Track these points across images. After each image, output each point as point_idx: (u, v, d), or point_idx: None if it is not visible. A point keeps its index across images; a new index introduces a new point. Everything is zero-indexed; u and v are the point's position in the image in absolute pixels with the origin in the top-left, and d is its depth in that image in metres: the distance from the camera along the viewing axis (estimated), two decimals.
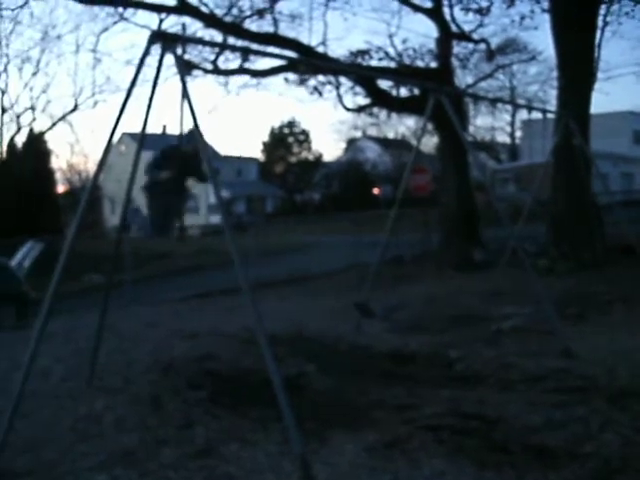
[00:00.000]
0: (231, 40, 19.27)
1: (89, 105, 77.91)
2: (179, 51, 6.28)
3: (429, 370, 7.33)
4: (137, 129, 6.67)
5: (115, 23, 21.01)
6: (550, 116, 26.93)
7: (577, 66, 16.36)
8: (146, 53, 5.93)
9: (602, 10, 18.51)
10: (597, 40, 18.21)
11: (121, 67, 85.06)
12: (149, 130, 6.71)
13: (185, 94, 5.71)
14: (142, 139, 6.81)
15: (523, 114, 63.74)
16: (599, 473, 4.49)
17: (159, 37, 5.88)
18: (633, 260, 12.00)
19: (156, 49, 5.96)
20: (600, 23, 18.63)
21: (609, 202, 14.87)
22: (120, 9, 19.96)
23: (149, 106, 6.30)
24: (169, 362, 7.70)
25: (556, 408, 5.78)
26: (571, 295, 11.69)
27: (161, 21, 19.44)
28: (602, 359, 7.42)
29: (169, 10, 19.11)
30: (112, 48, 29.44)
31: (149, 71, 6.45)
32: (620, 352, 7.72)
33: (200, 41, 16.05)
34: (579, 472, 4.51)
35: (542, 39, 60.08)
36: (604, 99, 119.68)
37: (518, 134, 66.69)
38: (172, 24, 21.37)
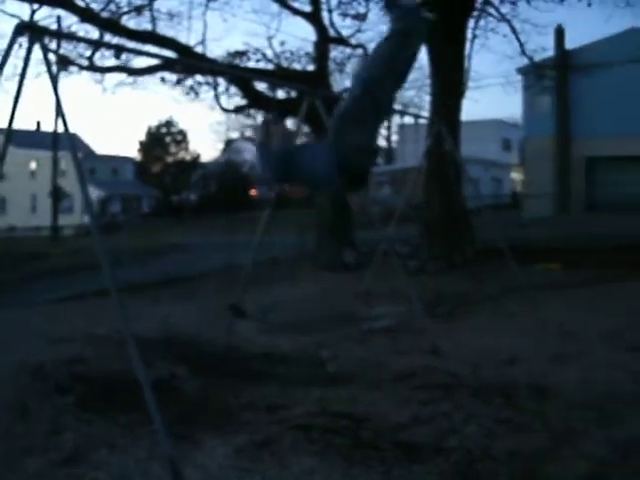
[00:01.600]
0: (108, 37, 18.82)
1: None
2: (53, 45, 6.11)
3: (301, 370, 7.37)
4: (4, 124, 6.44)
5: None
6: (423, 121, 27.70)
7: (448, 74, 16.88)
8: (11, 45, 5.72)
9: (471, 24, 19.20)
10: (467, 51, 18.85)
11: None
12: (23, 127, 6.48)
13: (55, 90, 5.56)
14: (9, 134, 6.56)
15: (399, 118, 65.15)
16: (461, 464, 4.65)
17: (26, 28, 5.69)
18: (501, 262, 12.46)
19: (25, 41, 5.77)
20: (469, 35, 19.32)
21: (479, 205, 15.39)
22: None
23: (16, 100, 6.08)
24: (37, 366, 7.45)
25: (423, 405, 5.94)
26: (441, 295, 12.03)
27: (33, 12, 18.73)
28: (468, 356, 7.69)
29: (42, 1, 18.45)
30: None
31: (21, 64, 6.22)
32: (485, 349, 8.03)
33: (73, 36, 15.55)
34: (443, 465, 4.66)
35: None
36: (475, 107, 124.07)
37: (394, 138, 68.14)
38: (46, 16, 20.68)
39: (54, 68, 5.90)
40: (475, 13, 19.23)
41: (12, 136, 6.55)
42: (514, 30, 20.36)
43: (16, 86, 5.98)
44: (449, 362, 7.49)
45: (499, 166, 57.30)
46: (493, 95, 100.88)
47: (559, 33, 33.22)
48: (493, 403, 5.89)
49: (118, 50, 19.11)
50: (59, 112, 5.51)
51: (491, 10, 20.10)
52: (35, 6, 18.43)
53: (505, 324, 9.69)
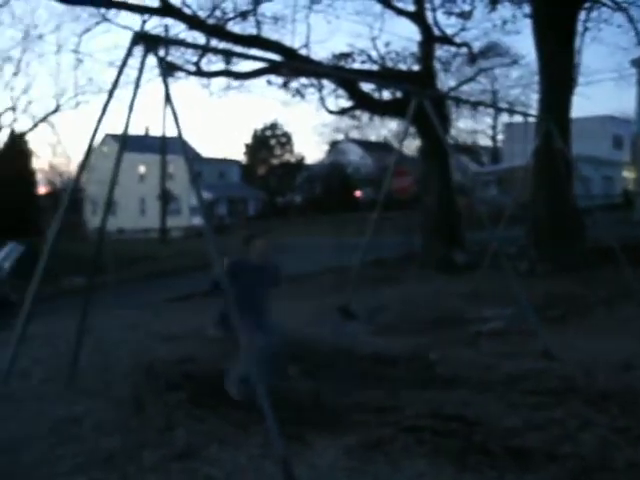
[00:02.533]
0: (214, 42, 19.26)
1: (71, 106, 77.48)
2: (162, 53, 6.29)
3: (410, 372, 7.35)
4: (120, 130, 6.66)
5: (97, 24, 20.83)
6: (531, 119, 27.11)
7: (558, 70, 16.47)
8: (128, 54, 5.93)
9: (582, 16, 18.66)
10: (577, 45, 18.32)
11: (103, 68, 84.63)
12: (132, 131, 6.70)
13: (167, 96, 5.71)
14: (124, 140, 6.79)
15: (505, 117, 64.00)
16: (577, 473, 4.53)
17: (141, 38, 5.88)
18: (613, 263, 12.08)
19: (138, 50, 5.96)
20: (580, 29, 18.78)
21: (589, 205, 14.97)
22: (102, 10, 19.88)
23: (131, 107, 6.29)
24: (150, 364, 7.68)
25: (535, 410, 5.83)
26: (551, 297, 11.76)
27: (144, 22, 19.35)
28: (581, 361, 7.48)
29: (152, 11, 19.01)
30: (94, 49, 29.47)
31: (132, 72, 6.44)
32: (599, 354, 7.79)
33: (182, 43, 15.98)
34: (557, 473, 4.55)
35: (524, 43, 60.33)
36: (585, 103, 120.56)
37: (500, 137, 66.99)
38: (155, 25, 21.36)
39: (166, 74, 6.06)
40: (587, 4, 18.66)
41: (127, 142, 6.79)
42: (631, 19, 19.60)
43: (130, 94, 6.19)
44: (561, 366, 7.31)
45: (610, 164, 55.46)
46: (604, 90, 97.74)
47: None
48: (609, 411, 5.71)
49: (225, 54, 19.51)
50: (172, 116, 5.66)
51: (605, 0, 19.46)
52: (145, 17, 19.05)
53: (619, 329, 9.39)
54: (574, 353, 7.90)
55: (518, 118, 57.32)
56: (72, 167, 54.65)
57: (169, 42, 10.50)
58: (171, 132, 41.67)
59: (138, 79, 6.12)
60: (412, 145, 43.31)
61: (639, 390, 6.25)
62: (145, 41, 5.81)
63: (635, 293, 11.20)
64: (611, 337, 8.79)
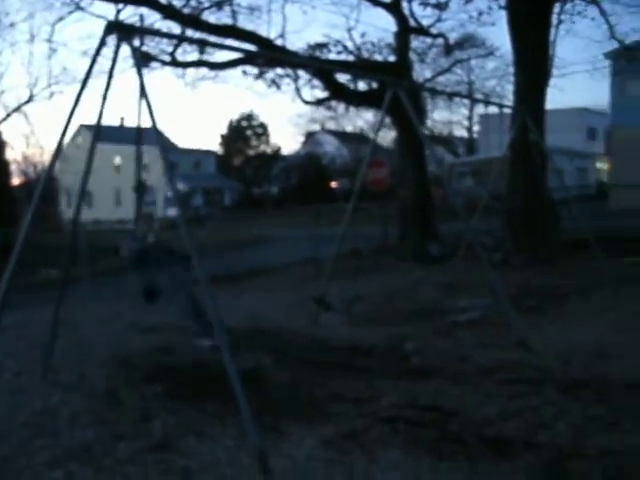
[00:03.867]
0: (189, 32, 19.13)
1: (45, 96, 76.54)
2: (136, 42, 6.23)
3: (386, 363, 7.36)
4: (94, 121, 6.60)
5: (70, 13, 20.58)
6: (507, 111, 27.23)
7: (533, 62, 16.53)
8: (102, 44, 5.87)
9: (556, 8, 18.73)
10: (552, 37, 18.40)
11: (78, 58, 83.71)
12: (106, 122, 6.65)
13: (142, 86, 5.67)
14: (98, 131, 6.74)
15: (481, 108, 64.21)
16: (551, 461, 4.57)
17: (115, 27, 5.83)
18: (587, 254, 12.19)
19: (112, 40, 5.90)
20: (554, 21, 18.84)
21: (564, 196, 15.07)
22: None
23: (104, 98, 6.24)
24: (126, 356, 7.64)
25: (511, 399, 5.87)
26: (527, 288, 11.83)
27: (118, 12, 19.13)
28: (556, 351, 7.54)
29: (126, 0, 18.86)
30: (68, 38, 29.03)
31: (107, 62, 6.37)
32: (574, 344, 7.86)
33: (157, 32, 15.86)
34: (532, 461, 4.59)
35: (500, 35, 60.63)
36: (559, 95, 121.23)
37: (476, 128, 67.22)
38: (130, 15, 21.07)
39: (140, 65, 6.02)
40: None
41: (101, 133, 6.73)
42: (603, 12, 19.69)
43: (104, 84, 6.14)
44: (536, 356, 7.37)
45: (584, 156, 55.88)
46: (578, 82, 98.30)
47: None
48: (584, 399, 5.77)
49: (200, 44, 19.40)
50: (147, 107, 5.62)
51: None
52: (120, 6, 18.88)
53: (594, 318, 9.45)
54: (549, 343, 7.96)
55: (494, 109, 57.56)
56: (46, 158, 54.17)
57: (143, 32, 10.40)
58: (147, 123, 41.33)
59: (111, 69, 6.07)
60: (388, 136, 43.45)
61: (613, 378, 6.31)
62: (119, 30, 5.77)
63: (609, 283, 11.31)
64: (586, 326, 8.86)
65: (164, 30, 18.31)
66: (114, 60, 5.96)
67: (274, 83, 21.16)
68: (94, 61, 5.92)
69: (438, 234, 18.86)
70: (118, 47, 5.80)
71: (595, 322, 9.16)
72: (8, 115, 46.95)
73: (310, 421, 5.42)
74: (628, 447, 4.78)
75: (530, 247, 15.62)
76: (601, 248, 11.51)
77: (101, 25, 5.78)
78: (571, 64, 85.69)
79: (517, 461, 4.61)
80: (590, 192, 44.40)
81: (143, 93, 5.64)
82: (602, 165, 57.07)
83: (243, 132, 70.27)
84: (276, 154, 70.42)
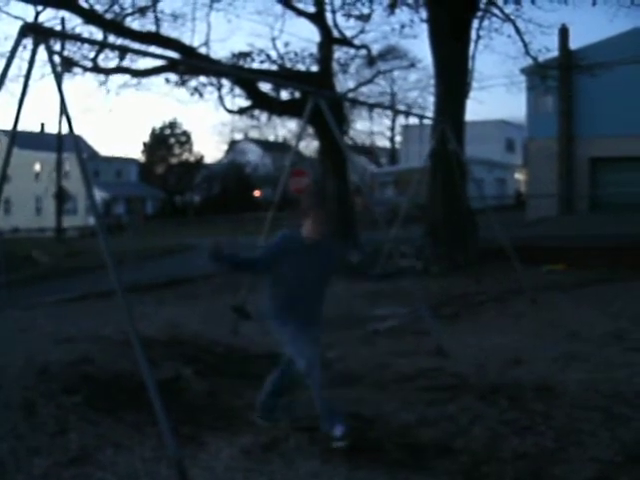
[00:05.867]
0: (112, 38, 18.83)
1: None
2: (57, 47, 6.10)
3: None
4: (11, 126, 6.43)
5: None
6: (428, 122, 27.69)
7: (453, 75, 16.89)
8: (17, 46, 5.71)
9: (475, 24, 19.18)
10: (471, 52, 18.82)
11: None
12: (27, 128, 6.49)
13: (60, 92, 5.55)
14: (13, 136, 6.56)
15: (403, 119, 65.17)
16: (467, 466, 4.64)
17: (30, 30, 5.67)
18: (504, 262, 12.44)
19: (30, 43, 5.76)
20: (474, 36, 19.28)
21: (483, 206, 15.37)
22: None
23: (21, 102, 6.07)
24: (43, 366, 7.44)
25: (429, 406, 5.94)
26: (446, 296, 12.03)
27: (37, 13, 18.72)
28: (473, 357, 7.68)
29: (46, 2, 18.42)
30: None
31: (25, 66, 6.21)
32: (490, 350, 8.02)
33: (77, 37, 15.58)
34: (449, 467, 4.65)
35: (422, 47, 61.82)
36: (479, 108, 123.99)
37: (398, 139, 68.14)
38: (50, 17, 20.64)
39: (58, 69, 5.90)
40: (479, 13, 19.22)
41: (16, 138, 6.56)
42: (518, 30, 20.34)
43: (21, 88, 5.97)
44: (454, 363, 7.49)
45: (503, 167, 57.24)
46: (497, 95, 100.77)
47: (563, 33, 33.04)
48: (499, 404, 5.87)
49: (122, 51, 19.13)
50: (64, 113, 5.51)
51: (495, 10, 20.12)
52: (39, 8, 18.45)
53: (510, 325, 9.68)
54: (467, 350, 8.10)
55: (415, 120, 58.45)
56: None
57: (61, 36, 10.20)
58: (67, 130, 40.63)
59: (28, 73, 5.91)
60: (312, 145, 43.62)
61: (527, 383, 6.45)
62: (35, 33, 5.62)
63: (525, 291, 11.58)
64: (502, 333, 9.05)
65: (85, 35, 18.03)
66: (30, 64, 5.80)
67: (197, 91, 21.00)
68: (9, 64, 5.76)
69: (359, 243, 18.98)
70: (35, 51, 5.65)
71: (511, 329, 9.38)
72: None
73: (229, 431, 5.38)
74: (541, 450, 4.89)
75: (449, 256, 15.91)
76: (519, 256, 11.77)
77: (18, 27, 5.63)
78: (489, 78, 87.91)
79: (434, 469, 4.66)
80: (509, 202, 45.41)
81: (62, 100, 5.52)
82: (520, 176, 58.51)
83: (166, 140, 69.60)
84: (199, 162, 69.98)
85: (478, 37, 20.43)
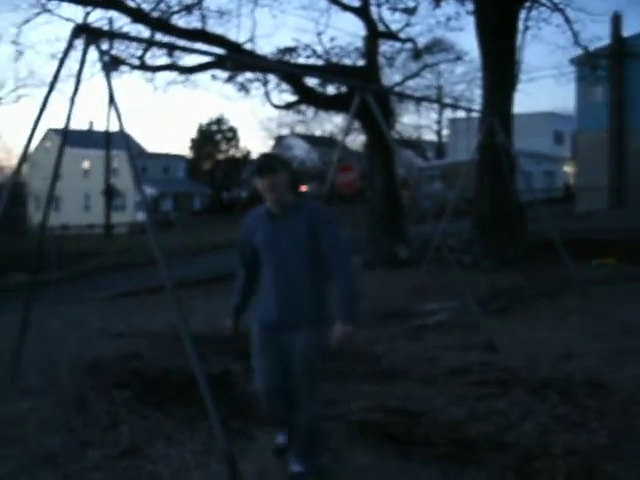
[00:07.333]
0: (158, 36, 19.04)
1: (12, 99, 75.87)
2: (105, 46, 6.20)
3: (355, 366, 7.38)
4: (63, 125, 6.56)
5: (37, 14, 20.39)
6: (475, 115, 27.46)
7: (500, 67, 16.71)
8: (69, 47, 5.83)
9: (523, 14, 18.92)
10: (519, 43, 18.58)
11: (45, 60, 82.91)
12: (75, 126, 6.60)
13: (110, 90, 5.64)
14: (65, 135, 6.69)
15: (450, 112, 64.70)
16: (518, 461, 4.61)
17: (82, 31, 5.78)
18: (553, 256, 12.31)
19: (81, 43, 5.86)
20: (521, 27, 19.02)
21: (531, 199, 15.21)
22: (42, 0, 19.47)
23: (72, 101, 6.20)
24: (94, 362, 7.61)
25: (478, 401, 5.91)
26: (494, 290, 11.94)
27: (87, 14, 19.01)
28: (523, 352, 7.62)
29: (95, 3, 18.69)
30: (36, 40, 28.68)
31: (75, 66, 6.34)
32: (540, 345, 7.95)
33: (126, 36, 15.72)
34: (500, 462, 4.63)
35: (469, 40, 61.16)
36: (527, 100, 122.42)
37: (445, 132, 67.66)
38: (99, 18, 20.96)
39: (108, 69, 6.00)
40: (527, 3, 18.96)
41: (70, 138, 6.69)
42: (567, 19, 19.96)
43: (72, 87, 6.09)
44: (504, 358, 7.44)
45: (551, 159, 56.46)
46: (545, 87, 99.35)
47: (616, 20, 32.28)
48: (550, 399, 5.83)
49: (171, 48, 19.31)
50: (114, 112, 5.59)
51: (544, 0, 19.81)
52: (88, 9, 18.73)
53: (560, 320, 9.57)
54: (516, 344, 8.04)
55: (462, 113, 58.00)
56: (13, 162, 53.70)
57: (112, 35, 10.31)
58: (115, 127, 41.19)
59: (79, 73, 6.04)
60: (358, 140, 43.54)
61: (579, 379, 6.39)
62: (86, 34, 5.72)
63: (575, 285, 11.45)
64: (553, 328, 8.96)
65: (133, 34, 18.23)
66: (82, 64, 5.92)
67: (243, 87, 21.13)
68: (62, 64, 5.88)
69: (407, 237, 18.92)
70: (86, 51, 5.76)
71: (562, 324, 9.27)
72: None
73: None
74: (594, 447, 4.84)
75: (498, 249, 15.77)
76: (568, 250, 11.63)
77: (69, 28, 5.74)
78: (538, 69, 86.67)
79: (484, 463, 4.64)
80: (558, 195, 44.83)
81: (112, 98, 5.61)
82: (569, 168, 57.69)
83: (213, 136, 70.05)
84: (246, 158, 70.26)
85: (526, 28, 20.15)
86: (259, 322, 4.44)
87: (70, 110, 6.26)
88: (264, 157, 4.48)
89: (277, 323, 4.33)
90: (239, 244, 4.60)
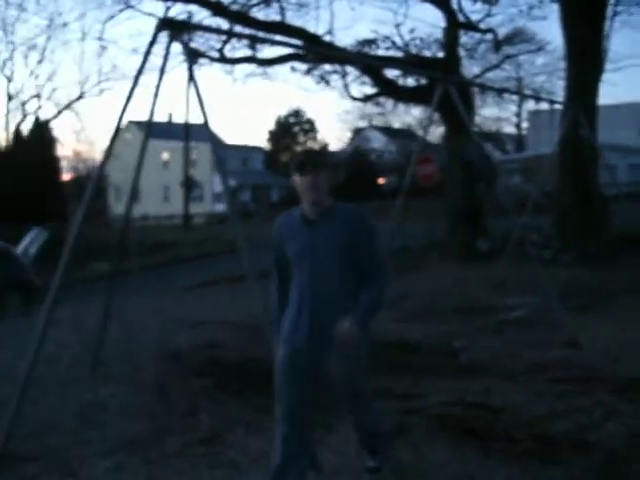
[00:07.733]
0: (238, 28, 19.25)
1: (95, 93, 77.91)
2: (185, 39, 6.26)
3: (434, 360, 7.34)
4: (143, 117, 6.67)
5: (121, 11, 20.90)
6: (557, 107, 26.86)
7: (585, 57, 16.27)
8: (153, 41, 5.91)
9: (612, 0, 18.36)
10: (606, 30, 18.04)
11: (127, 55, 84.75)
12: (155, 118, 6.70)
13: (193, 82, 5.71)
14: (149, 127, 6.80)
15: (530, 105, 63.45)
16: (603, 463, 4.49)
17: (166, 25, 5.86)
18: (638, 251, 11.98)
19: (163, 37, 5.95)
20: (609, 13, 18.45)
21: (616, 193, 14.83)
22: None
23: (156, 94, 6.29)
24: (175, 350, 7.75)
25: (560, 398, 5.80)
26: (576, 286, 11.68)
27: (167, 9, 19.39)
28: (606, 350, 7.44)
29: None
30: (118, 36, 29.47)
31: (155, 59, 6.44)
32: (625, 343, 7.74)
33: (207, 29, 15.94)
34: (584, 462, 4.51)
35: (550, 29, 59.93)
36: (612, 90, 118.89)
37: (524, 125, 66.46)
38: (178, 12, 21.31)
39: (192, 61, 6.08)
40: None
41: (151, 129, 6.80)
42: None
43: (155, 80, 6.19)
44: (586, 355, 7.28)
45: (637, 152, 54.87)
46: (631, 76, 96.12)
47: None
48: (636, 400, 5.67)
49: (252, 40, 19.49)
50: (199, 104, 5.65)
51: None
52: (169, 3, 19.08)
53: None
54: (599, 342, 7.85)
55: (543, 105, 56.85)
56: (95, 154, 55.05)
57: (194, 28, 10.45)
58: (194, 119, 41.77)
59: (163, 66, 6.12)
60: (436, 132, 43.08)
61: None
62: (170, 27, 5.80)
63: None
64: (636, 326, 8.71)
65: (213, 27, 18.48)
66: (165, 57, 6.00)
67: (323, 79, 21.20)
68: (146, 58, 5.96)
69: (487, 230, 18.69)
70: (170, 44, 5.84)
71: None
72: (59, 112, 48.02)
73: None
74: None
75: (580, 244, 15.42)
76: None
77: (150, 23, 5.90)
78: (625, 57, 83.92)
79: (568, 461, 4.54)
80: None
81: (195, 89, 5.67)
82: None
83: (291, 128, 70.48)
84: (323, 150, 70.45)
85: (615, 13, 19.57)
86: (287, 346, 3.85)
87: (153, 103, 6.35)
88: (306, 153, 4.36)
89: (308, 347, 3.78)
90: (273, 247, 4.03)
